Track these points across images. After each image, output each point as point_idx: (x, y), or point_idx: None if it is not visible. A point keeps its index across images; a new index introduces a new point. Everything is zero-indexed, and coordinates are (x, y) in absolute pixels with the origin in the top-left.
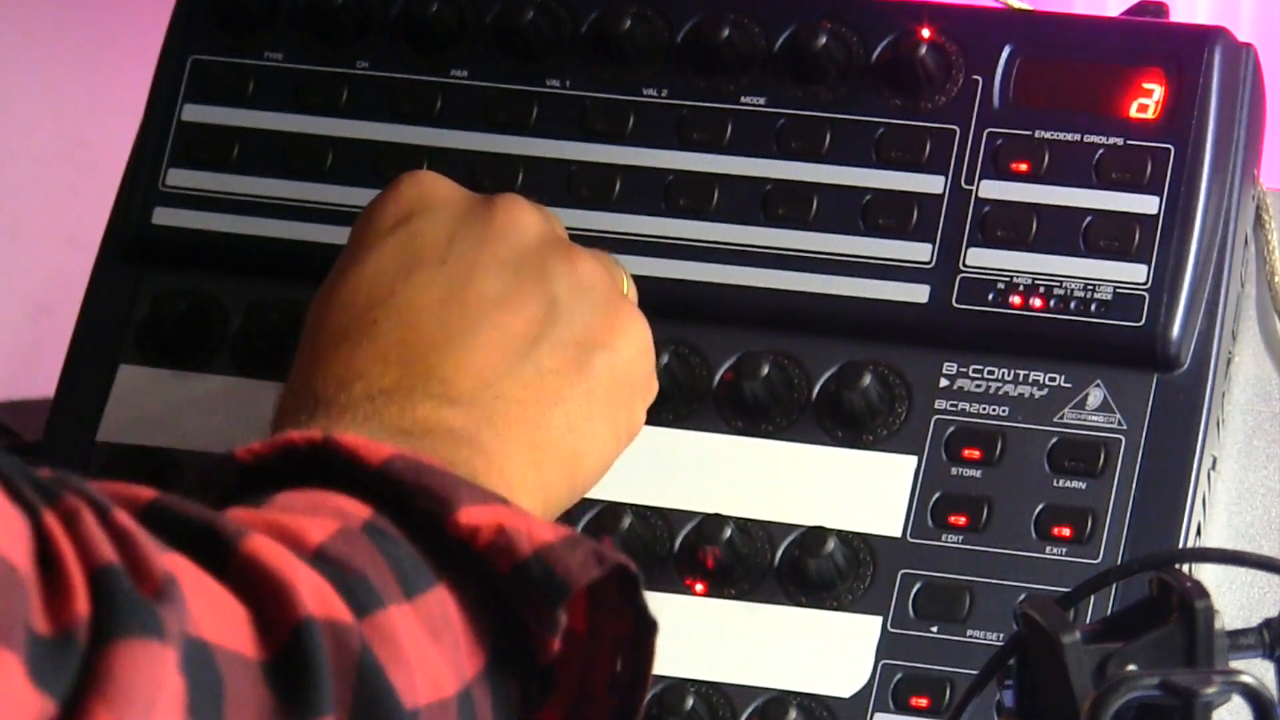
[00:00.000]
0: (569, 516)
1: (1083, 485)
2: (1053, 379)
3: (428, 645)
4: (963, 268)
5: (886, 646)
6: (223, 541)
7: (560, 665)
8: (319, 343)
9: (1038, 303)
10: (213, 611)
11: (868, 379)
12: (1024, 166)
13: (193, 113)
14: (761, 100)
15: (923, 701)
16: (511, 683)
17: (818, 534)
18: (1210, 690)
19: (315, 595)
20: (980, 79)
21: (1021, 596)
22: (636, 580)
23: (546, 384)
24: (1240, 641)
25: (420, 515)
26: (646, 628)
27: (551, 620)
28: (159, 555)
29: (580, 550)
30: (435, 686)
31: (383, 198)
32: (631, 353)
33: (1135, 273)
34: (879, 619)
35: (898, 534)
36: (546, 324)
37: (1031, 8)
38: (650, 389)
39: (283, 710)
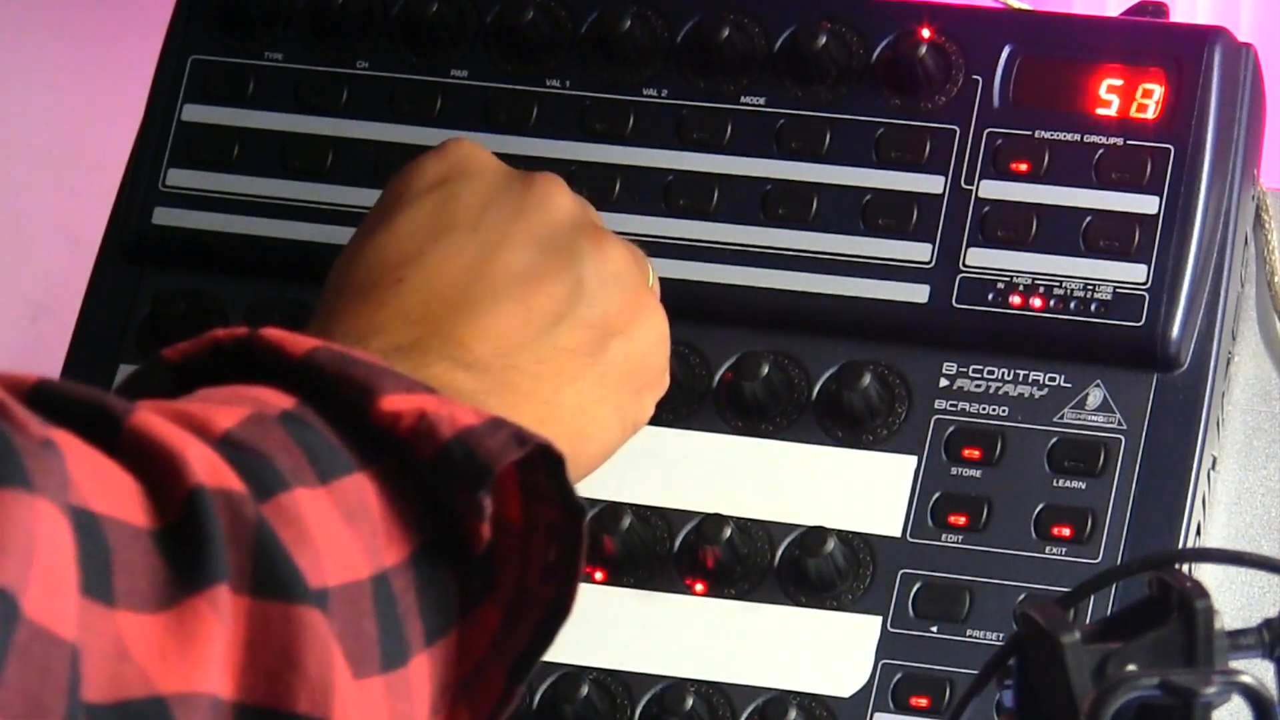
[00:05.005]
0: None
1: (1083, 485)
2: (1053, 379)
3: (340, 528)
4: (963, 268)
5: (886, 646)
6: (110, 417)
7: (500, 557)
8: (341, 296)
9: (1038, 303)
10: (98, 481)
11: (868, 379)
12: (1024, 166)
13: (193, 113)
14: (761, 100)
15: (922, 701)
16: (447, 573)
17: (818, 534)
18: (1210, 690)
19: (206, 466)
20: (980, 79)
21: (1021, 596)
22: (561, 463)
23: (561, 362)
24: (1240, 641)
25: (343, 404)
26: (574, 512)
27: (476, 504)
28: (36, 424)
29: (502, 432)
30: (346, 569)
31: (423, 159)
32: (647, 343)
33: (1135, 273)
34: (879, 619)
35: (897, 534)
36: (568, 303)
37: (1031, 8)
38: (661, 383)
39: (175, 578)
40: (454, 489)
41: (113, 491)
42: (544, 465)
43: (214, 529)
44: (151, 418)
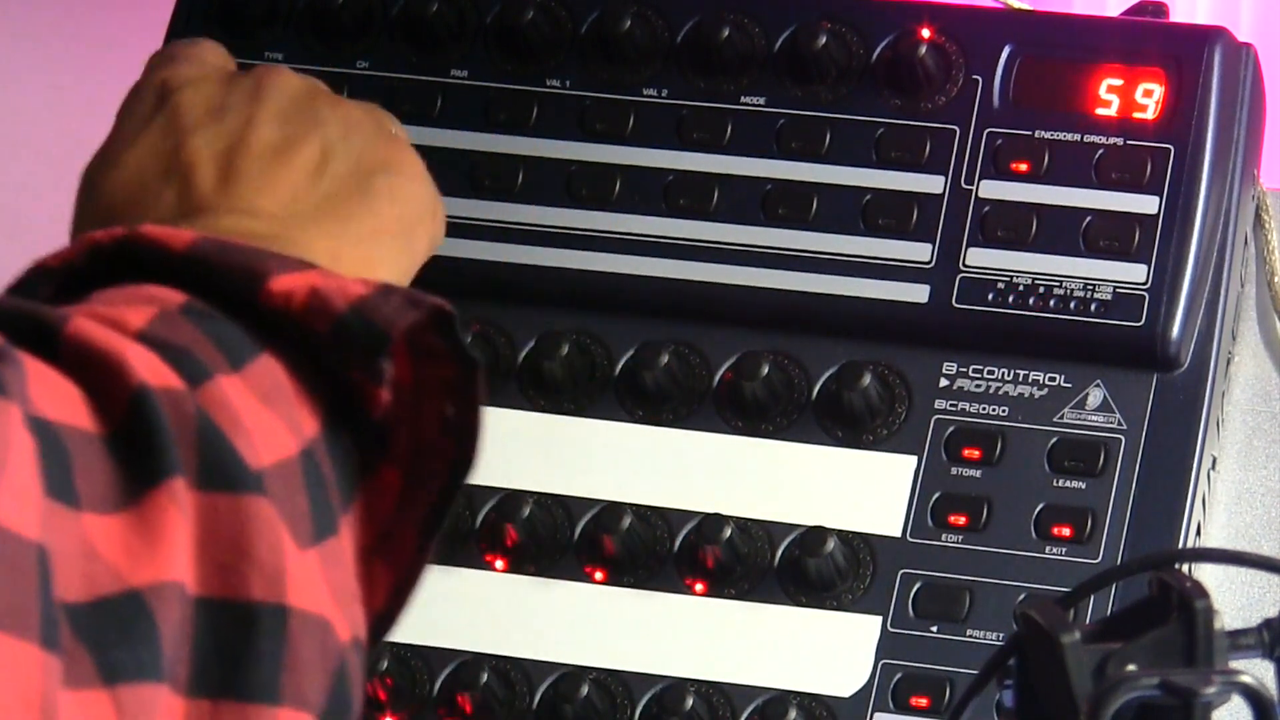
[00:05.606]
0: (573, 512)
1: (1083, 485)
2: (1053, 379)
3: (262, 410)
4: (963, 268)
5: (886, 646)
6: (48, 326)
7: (393, 419)
8: (107, 207)
9: (1038, 303)
10: (47, 390)
11: (868, 379)
12: (1024, 166)
13: None
14: (761, 100)
15: (922, 701)
16: (347, 440)
17: (818, 534)
18: (1210, 690)
19: (146, 366)
20: (980, 79)
21: (1021, 596)
22: (453, 320)
23: (335, 205)
24: (1240, 641)
25: (233, 291)
26: (468, 367)
27: (376, 371)
28: None
29: (395, 298)
30: (277, 448)
31: (139, 84)
32: (407, 175)
33: (1135, 273)
34: (879, 619)
35: (897, 534)
36: (326, 160)
37: (1031, 8)
38: (434, 220)
39: (131, 478)
40: (353, 359)
41: (61, 399)
42: (434, 325)
43: (162, 425)
44: (87, 323)
